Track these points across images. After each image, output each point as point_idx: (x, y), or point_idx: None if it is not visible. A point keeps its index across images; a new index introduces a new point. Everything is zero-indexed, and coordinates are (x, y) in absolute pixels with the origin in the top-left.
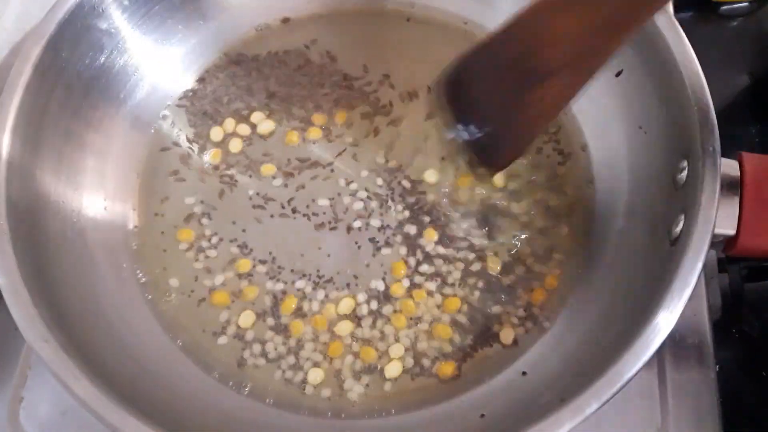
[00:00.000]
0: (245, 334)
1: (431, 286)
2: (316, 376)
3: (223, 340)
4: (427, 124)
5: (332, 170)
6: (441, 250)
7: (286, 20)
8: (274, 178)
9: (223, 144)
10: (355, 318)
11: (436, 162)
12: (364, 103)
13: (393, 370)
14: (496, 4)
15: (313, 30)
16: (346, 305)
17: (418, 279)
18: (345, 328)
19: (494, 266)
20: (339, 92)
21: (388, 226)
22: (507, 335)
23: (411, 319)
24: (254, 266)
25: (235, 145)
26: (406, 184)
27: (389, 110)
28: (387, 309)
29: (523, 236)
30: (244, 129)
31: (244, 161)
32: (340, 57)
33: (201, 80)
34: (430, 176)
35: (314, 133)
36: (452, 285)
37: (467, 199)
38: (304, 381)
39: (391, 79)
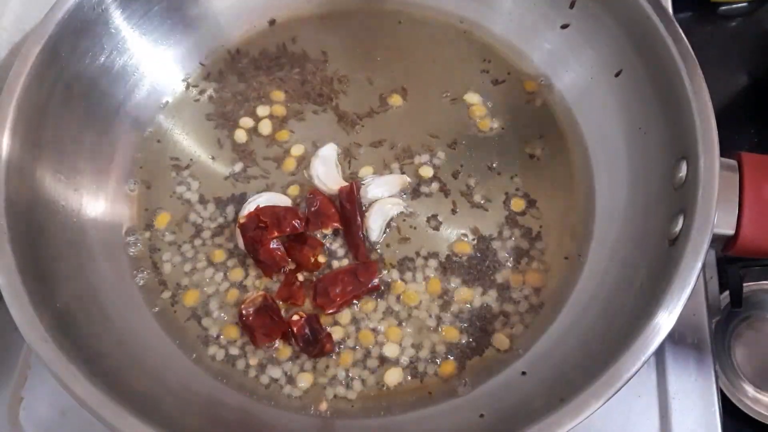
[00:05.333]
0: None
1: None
2: (310, 378)
3: (220, 341)
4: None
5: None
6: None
7: (283, 21)
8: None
9: (222, 143)
10: (355, 320)
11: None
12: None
13: (392, 377)
14: (496, 2)
15: (310, 31)
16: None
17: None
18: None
19: (496, 262)
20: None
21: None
22: (502, 342)
23: (413, 318)
24: (248, 273)
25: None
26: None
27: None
28: (390, 306)
29: (522, 236)
30: (241, 133)
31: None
32: (335, 57)
33: (201, 80)
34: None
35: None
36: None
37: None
38: (303, 381)
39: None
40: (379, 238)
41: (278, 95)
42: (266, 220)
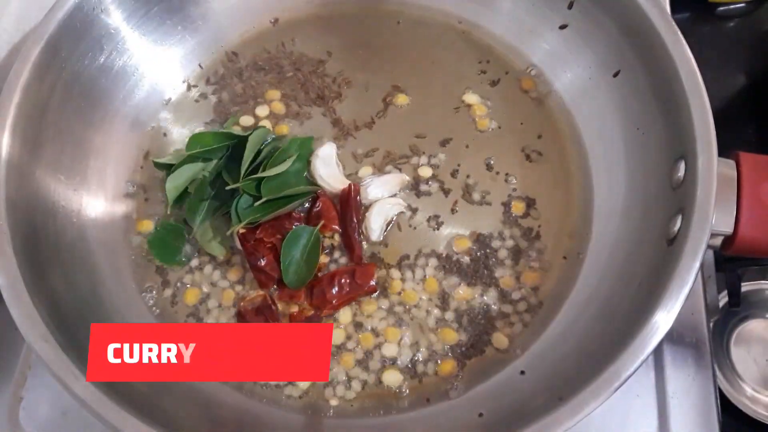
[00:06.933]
0: None
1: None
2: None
3: None
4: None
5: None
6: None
7: (283, 21)
8: None
9: None
10: (356, 324)
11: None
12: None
13: (392, 377)
14: (494, 3)
15: (310, 32)
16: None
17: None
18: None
19: (495, 261)
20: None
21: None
22: (501, 341)
23: (413, 318)
24: (245, 272)
25: None
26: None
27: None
28: (389, 306)
29: (521, 236)
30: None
31: None
32: (334, 58)
33: (201, 80)
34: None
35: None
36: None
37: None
38: (303, 382)
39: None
40: (379, 237)
41: (278, 96)
42: (263, 235)
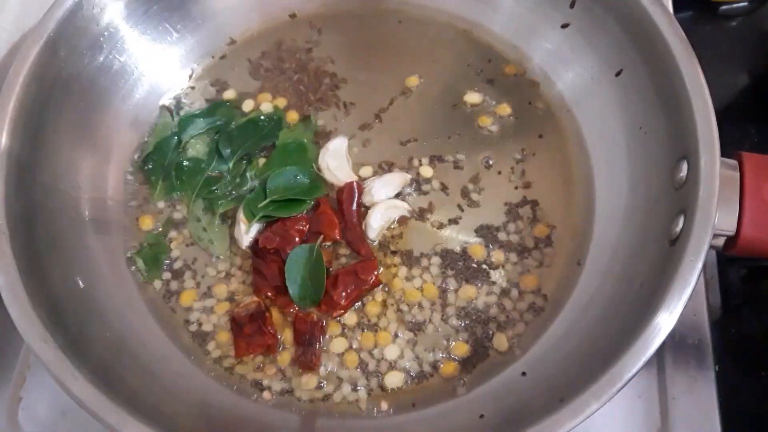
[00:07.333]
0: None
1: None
2: (311, 378)
3: (218, 342)
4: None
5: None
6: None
7: (283, 20)
8: None
9: None
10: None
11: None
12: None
13: (394, 379)
14: (496, 1)
15: (310, 31)
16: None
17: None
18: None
19: (496, 261)
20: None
21: None
22: (502, 342)
23: (414, 319)
24: (243, 275)
25: None
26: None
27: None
28: (390, 307)
29: (522, 236)
30: None
31: None
32: (335, 57)
33: (201, 80)
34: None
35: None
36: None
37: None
38: (302, 381)
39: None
40: (376, 237)
41: (277, 95)
42: (265, 243)
